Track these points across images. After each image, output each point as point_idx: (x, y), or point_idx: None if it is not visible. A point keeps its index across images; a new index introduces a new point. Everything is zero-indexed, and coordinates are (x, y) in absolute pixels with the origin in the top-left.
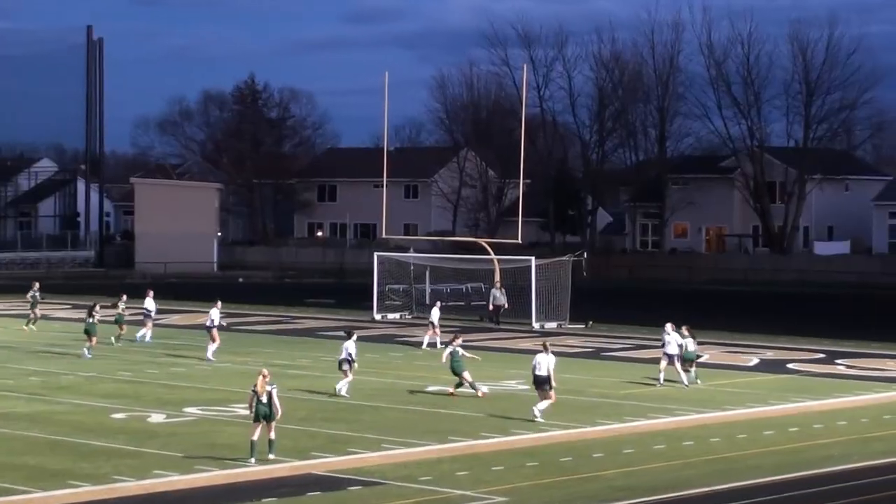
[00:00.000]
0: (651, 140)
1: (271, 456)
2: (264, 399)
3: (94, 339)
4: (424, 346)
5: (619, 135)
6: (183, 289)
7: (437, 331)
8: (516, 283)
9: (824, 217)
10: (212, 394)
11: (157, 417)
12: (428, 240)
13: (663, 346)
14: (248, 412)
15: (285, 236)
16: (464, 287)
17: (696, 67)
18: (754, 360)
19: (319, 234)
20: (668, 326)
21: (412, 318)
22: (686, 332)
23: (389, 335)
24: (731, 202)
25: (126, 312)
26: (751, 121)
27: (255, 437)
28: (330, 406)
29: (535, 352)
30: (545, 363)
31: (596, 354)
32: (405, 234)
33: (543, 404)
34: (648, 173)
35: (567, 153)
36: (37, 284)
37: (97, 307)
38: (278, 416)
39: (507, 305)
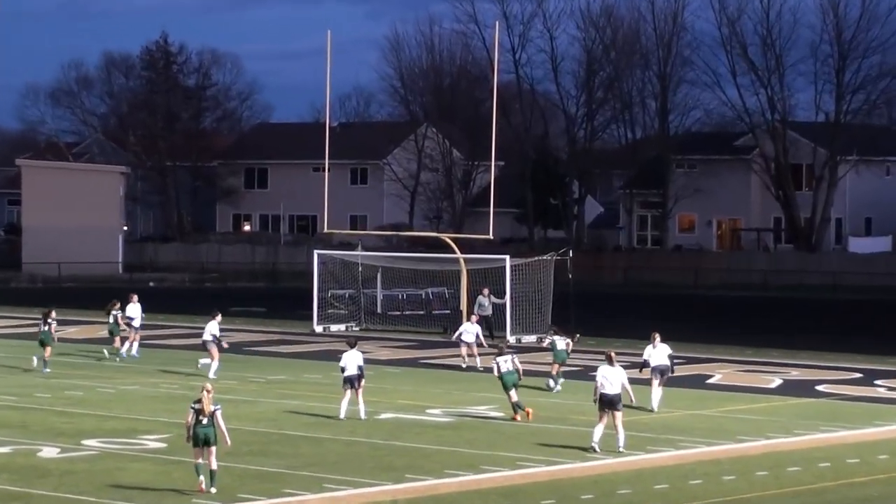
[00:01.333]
0: (650, 113)
1: (213, 490)
2: (206, 420)
3: (49, 350)
4: (471, 365)
5: (612, 107)
6: (81, 295)
7: (475, 349)
8: (486, 287)
9: (861, 207)
10: (115, 423)
11: (49, 452)
12: (380, 235)
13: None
14: (185, 436)
15: (206, 231)
16: (423, 293)
17: (704, 25)
18: (776, 381)
19: (247, 227)
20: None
21: (360, 330)
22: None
23: (333, 351)
24: (748, 189)
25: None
26: (771, 90)
27: (202, 461)
28: (260, 437)
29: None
30: (616, 378)
31: (583, 374)
32: (352, 229)
33: (621, 436)
34: (647, 154)
35: (549, 129)
36: None
37: (52, 313)
38: (227, 445)
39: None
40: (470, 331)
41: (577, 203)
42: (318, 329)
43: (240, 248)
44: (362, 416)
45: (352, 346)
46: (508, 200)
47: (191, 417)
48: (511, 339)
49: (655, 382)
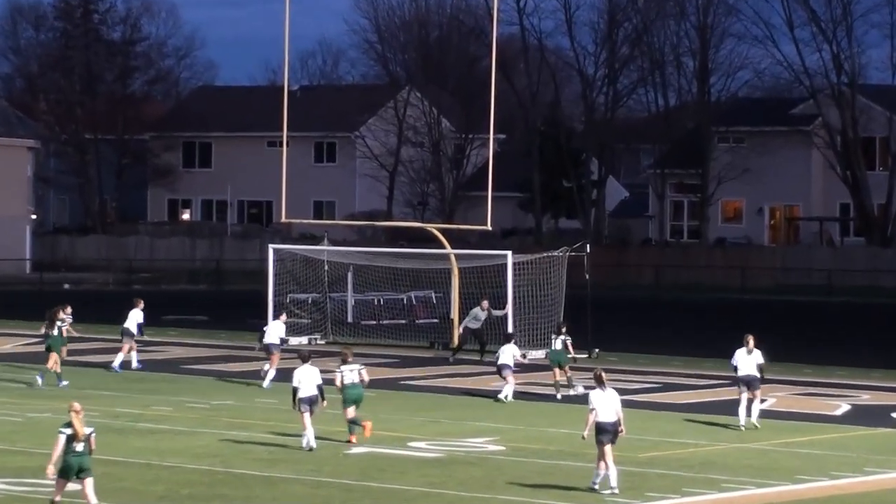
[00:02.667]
0: (687, 75)
1: None
2: (80, 447)
3: (57, 358)
4: (505, 396)
5: (640, 67)
6: None
7: (511, 377)
8: (484, 291)
9: None
10: (23, 459)
11: None
12: (351, 226)
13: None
14: (51, 471)
15: (135, 220)
16: (405, 297)
17: None
18: (843, 408)
19: (186, 216)
20: None
21: (326, 343)
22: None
23: (293, 370)
24: (808, 169)
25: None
26: (837, 46)
27: (59, 499)
28: (202, 477)
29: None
30: (609, 404)
31: None
32: (316, 218)
33: (612, 473)
34: (683, 125)
35: (561, 95)
36: None
37: (60, 313)
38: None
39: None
40: (506, 353)
41: (595, 186)
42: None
43: (177, 242)
44: (313, 444)
45: (305, 361)
46: (511, 183)
47: (61, 444)
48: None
49: (744, 395)
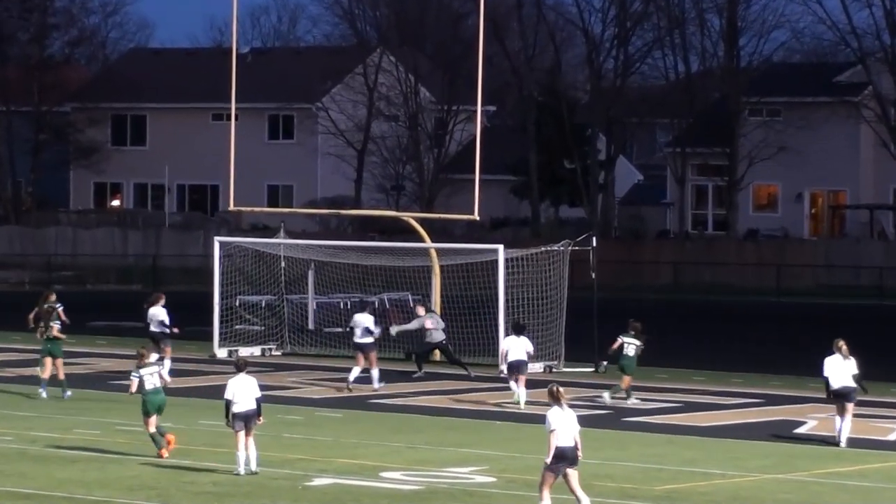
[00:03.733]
0: (713, 36)
1: None
2: None
3: (60, 364)
4: (520, 401)
5: (655, 26)
6: None
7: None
8: (468, 292)
9: None
10: None
11: None
12: (312, 214)
13: None
14: None
15: (54, 208)
16: (376, 300)
17: None
18: None
19: (115, 203)
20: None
21: (283, 354)
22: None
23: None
24: (856, 147)
25: None
26: (890, 1)
27: None
28: None
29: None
30: (570, 426)
31: (614, 420)
32: (270, 205)
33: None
34: (708, 95)
35: (561, 59)
36: None
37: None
38: None
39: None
40: (517, 347)
41: (603, 168)
42: (221, 353)
43: (105, 234)
44: (253, 467)
45: (241, 370)
46: (502, 164)
47: None
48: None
49: (848, 413)
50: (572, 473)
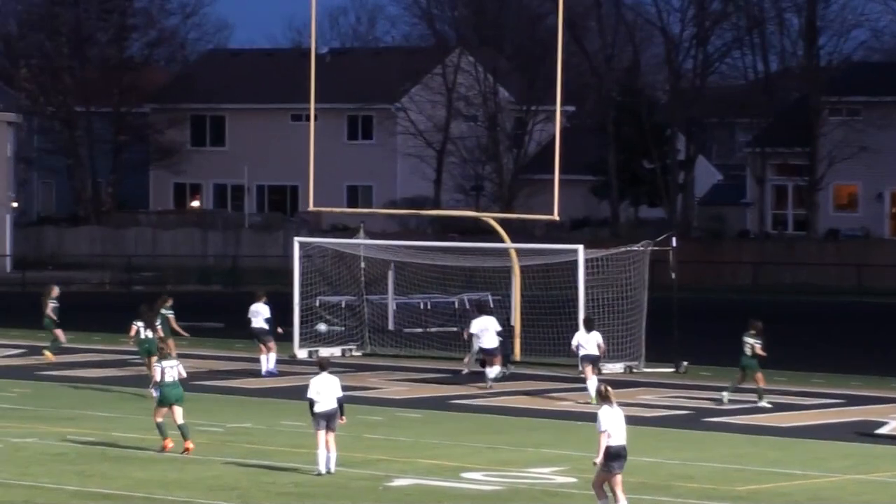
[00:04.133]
0: (792, 35)
1: None
2: None
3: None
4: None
5: (735, 26)
6: None
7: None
8: (548, 292)
9: None
10: (1, 492)
11: None
12: (392, 215)
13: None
14: None
15: (135, 209)
16: (456, 300)
17: None
18: None
19: (195, 203)
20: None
21: (363, 355)
22: None
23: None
24: None
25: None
26: None
27: None
28: None
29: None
30: (620, 425)
31: (695, 420)
32: (350, 206)
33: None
34: (787, 95)
35: (641, 59)
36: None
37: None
38: None
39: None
40: (589, 343)
41: (683, 168)
42: (302, 354)
43: (185, 235)
44: (332, 467)
45: (324, 369)
46: (581, 164)
47: None
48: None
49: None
50: (619, 476)
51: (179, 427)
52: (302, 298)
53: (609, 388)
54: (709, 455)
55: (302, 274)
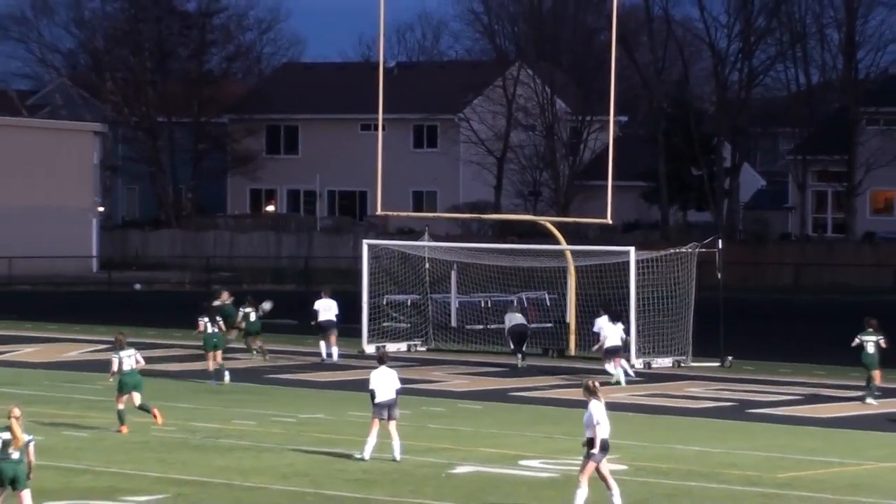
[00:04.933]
0: (832, 49)
1: None
2: (16, 455)
3: (219, 355)
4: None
5: (778, 41)
6: (40, 303)
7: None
8: (600, 292)
9: None
10: (89, 478)
11: None
12: (455, 219)
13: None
14: None
15: (213, 213)
16: (515, 299)
17: None
18: None
19: (270, 208)
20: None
21: (428, 350)
22: None
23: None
24: None
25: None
26: None
27: None
28: (289, 498)
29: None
30: (606, 418)
31: (739, 411)
32: (415, 210)
33: (615, 491)
34: (827, 106)
35: (689, 72)
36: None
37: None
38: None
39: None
40: (613, 334)
41: (728, 174)
42: (370, 349)
43: (260, 237)
44: (397, 455)
45: (382, 362)
46: (633, 171)
47: None
48: (638, 362)
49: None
50: (606, 464)
51: (141, 407)
52: (370, 297)
53: (597, 384)
54: (752, 444)
55: (370, 274)
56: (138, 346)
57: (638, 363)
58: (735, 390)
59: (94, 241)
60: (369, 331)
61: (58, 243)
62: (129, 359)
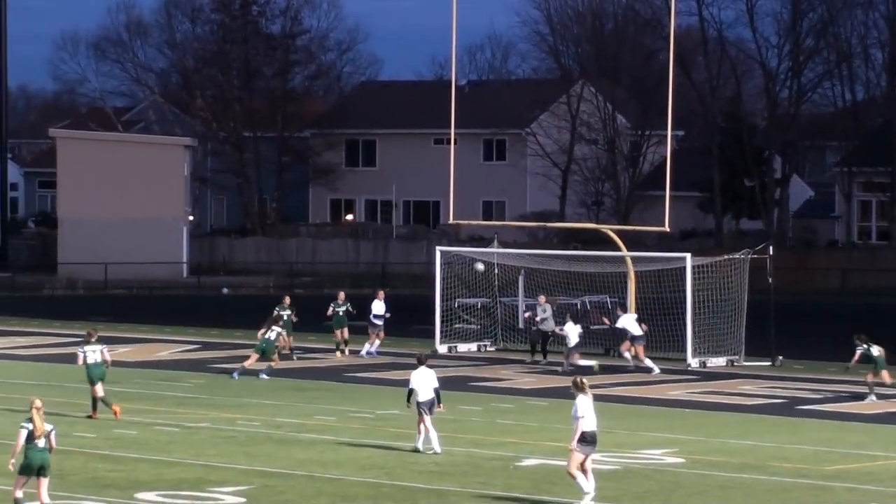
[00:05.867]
0: (876, 68)
1: None
2: (41, 443)
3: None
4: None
5: (825, 59)
6: (135, 306)
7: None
8: (659, 295)
9: None
10: (179, 471)
11: None
12: (522, 227)
13: None
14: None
15: (295, 222)
16: (579, 302)
17: None
18: None
19: (349, 217)
20: None
21: (496, 350)
22: None
23: (461, 378)
24: None
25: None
26: None
27: (20, 495)
28: (367, 489)
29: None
30: (593, 412)
31: (789, 408)
32: (485, 219)
33: (592, 485)
34: (872, 120)
35: (742, 89)
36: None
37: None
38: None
39: (556, 330)
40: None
41: (779, 185)
42: (442, 349)
43: (340, 245)
44: (437, 447)
45: (421, 363)
46: (689, 182)
47: (22, 439)
48: (693, 362)
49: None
50: (592, 457)
51: (102, 399)
52: (443, 300)
53: (584, 380)
54: (801, 438)
55: (443, 279)
56: (225, 347)
57: (694, 362)
58: (785, 388)
59: (185, 247)
60: (441, 332)
61: (150, 250)
62: (95, 353)
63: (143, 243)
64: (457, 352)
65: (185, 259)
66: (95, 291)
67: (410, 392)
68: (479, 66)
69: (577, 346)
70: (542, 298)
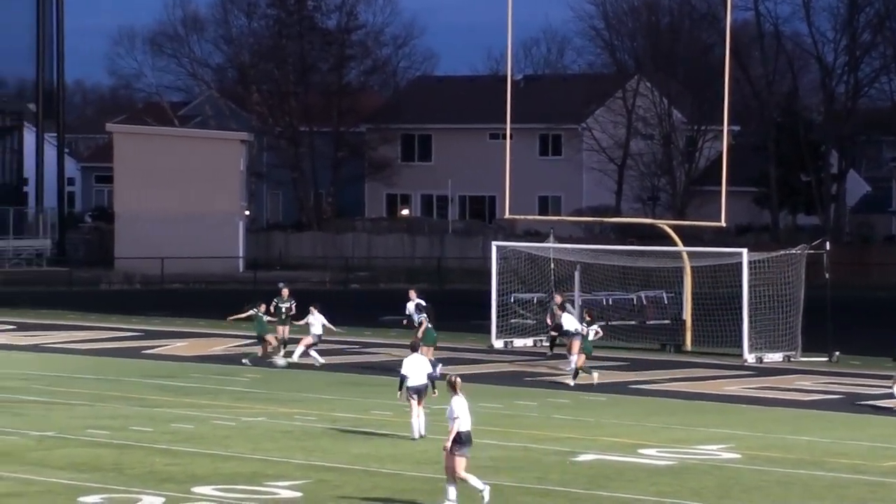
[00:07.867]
0: None
1: None
2: None
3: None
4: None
5: (882, 54)
6: (192, 300)
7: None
8: (715, 290)
9: None
10: (236, 465)
11: (151, 502)
12: (578, 222)
13: None
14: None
15: (351, 217)
16: (635, 297)
17: None
18: None
19: (405, 212)
20: None
21: (551, 344)
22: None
23: (516, 373)
24: None
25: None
26: None
27: None
28: (424, 484)
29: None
30: (467, 413)
31: (846, 404)
32: (541, 214)
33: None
34: None
35: (798, 84)
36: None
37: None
38: None
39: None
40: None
41: (835, 180)
42: (498, 344)
43: (395, 239)
44: (423, 431)
45: (415, 350)
46: (745, 177)
47: None
48: (750, 357)
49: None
50: (468, 457)
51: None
52: (499, 295)
53: (458, 380)
54: (858, 434)
55: (499, 273)
56: (283, 341)
57: (750, 358)
58: (842, 384)
59: (241, 242)
60: (497, 327)
61: (207, 245)
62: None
63: (199, 238)
64: (513, 347)
65: (241, 254)
66: (152, 286)
67: (403, 380)
68: (534, 61)
69: (577, 334)
70: (557, 298)
